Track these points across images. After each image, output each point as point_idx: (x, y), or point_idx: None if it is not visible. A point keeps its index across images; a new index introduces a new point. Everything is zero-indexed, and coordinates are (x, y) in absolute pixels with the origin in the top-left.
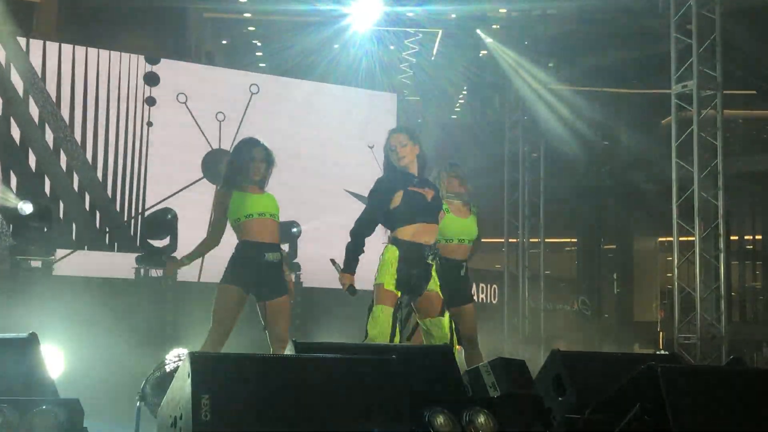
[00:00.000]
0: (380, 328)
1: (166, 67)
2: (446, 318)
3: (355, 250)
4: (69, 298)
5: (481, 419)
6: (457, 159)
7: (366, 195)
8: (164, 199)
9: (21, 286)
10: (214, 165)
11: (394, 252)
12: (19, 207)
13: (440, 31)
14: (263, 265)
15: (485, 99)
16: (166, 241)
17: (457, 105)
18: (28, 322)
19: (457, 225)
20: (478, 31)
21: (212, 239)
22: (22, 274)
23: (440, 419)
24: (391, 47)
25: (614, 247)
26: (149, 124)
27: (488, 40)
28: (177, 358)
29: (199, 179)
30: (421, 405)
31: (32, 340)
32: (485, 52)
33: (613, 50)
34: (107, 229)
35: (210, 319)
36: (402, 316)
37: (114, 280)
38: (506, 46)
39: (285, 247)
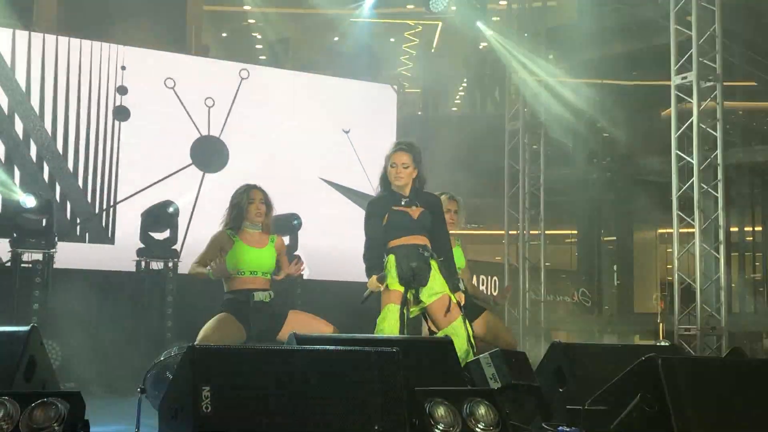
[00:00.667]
0: (388, 324)
1: (147, 56)
2: (459, 322)
3: (374, 267)
4: (70, 290)
5: (482, 410)
6: (457, 151)
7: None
8: (143, 189)
9: (21, 278)
10: (203, 152)
11: (391, 259)
12: (21, 201)
13: (440, 24)
14: (253, 306)
15: (485, 91)
16: (166, 234)
17: (457, 97)
18: (29, 314)
19: None
20: (479, 23)
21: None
22: (23, 266)
23: (441, 410)
24: (392, 40)
25: (614, 238)
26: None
27: (488, 32)
28: (178, 350)
29: (188, 165)
30: (422, 396)
31: (33, 333)
32: (485, 44)
33: (612, 42)
34: (78, 221)
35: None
36: (406, 316)
37: (115, 273)
38: (506, 38)
39: (286, 239)
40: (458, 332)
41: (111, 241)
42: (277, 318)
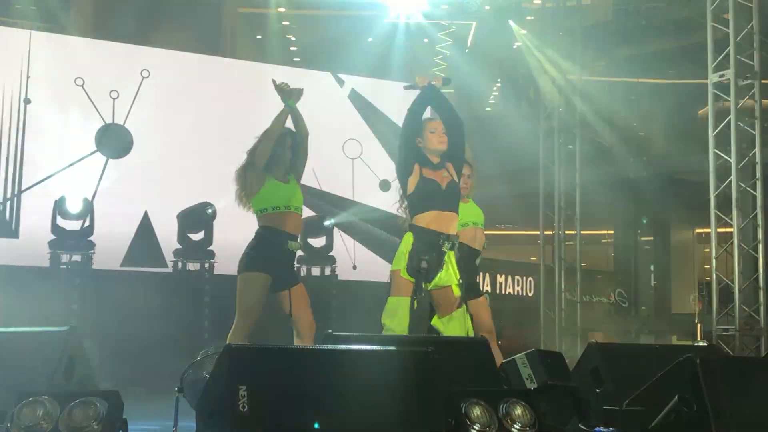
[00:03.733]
0: (398, 320)
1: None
2: (463, 311)
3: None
4: (108, 291)
5: (518, 411)
6: (492, 151)
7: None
8: (46, 178)
9: (60, 279)
10: (109, 139)
11: (408, 238)
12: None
13: (474, 24)
14: (285, 253)
15: (519, 91)
16: (201, 235)
17: (492, 97)
18: (68, 314)
19: (464, 208)
20: (511, 22)
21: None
22: (62, 267)
23: (477, 411)
24: (425, 40)
25: (651, 238)
26: (26, 101)
27: (522, 31)
28: (214, 350)
29: (93, 152)
30: (458, 397)
31: (72, 332)
32: (519, 43)
33: (648, 40)
34: None
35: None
36: (421, 305)
37: (152, 274)
38: (540, 37)
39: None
40: (456, 322)
41: (15, 234)
42: (294, 274)
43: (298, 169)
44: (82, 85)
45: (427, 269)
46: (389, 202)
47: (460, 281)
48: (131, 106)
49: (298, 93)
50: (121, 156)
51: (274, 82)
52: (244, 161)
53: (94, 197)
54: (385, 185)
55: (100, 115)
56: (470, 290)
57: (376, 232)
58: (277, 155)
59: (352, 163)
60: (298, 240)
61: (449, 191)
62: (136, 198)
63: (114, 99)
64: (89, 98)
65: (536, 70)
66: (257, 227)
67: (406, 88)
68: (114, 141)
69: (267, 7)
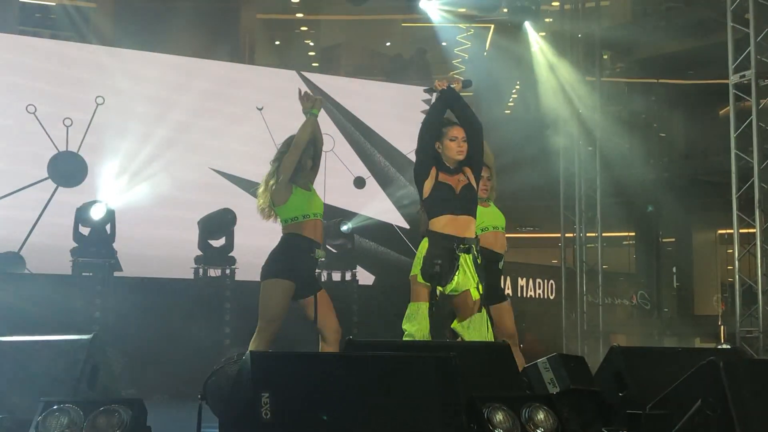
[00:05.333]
0: (418, 325)
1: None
2: (483, 315)
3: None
4: (130, 298)
5: (541, 415)
6: (511, 154)
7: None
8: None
9: (83, 287)
10: (60, 166)
11: (424, 243)
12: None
13: (492, 26)
14: (310, 260)
15: (539, 93)
16: (222, 242)
17: (511, 100)
18: (90, 322)
19: (484, 212)
20: (527, 24)
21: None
22: (84, 275)
23: (499, 416)
24: (444, 43)
25: (673, 240)
26: None
27: (541, 33)
28: (237, 356)
29: (44, 179)
30: (480, 402)
31: (96, 340)
32: (539, 45)
33: (668, 41)
34: None
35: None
36: (439, 310)
37: (173, 281)
38: (559, 39)
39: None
40: (475, 326)
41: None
42: (316, 280)
43: (312, 178)
44: (34, 113)
45: (440, 273)
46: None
47: (479, 284)
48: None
49: (320, 102)
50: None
51: (300, 91)
52: (269, 172)
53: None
54: (359, 182)
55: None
56: (493, 294)
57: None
58: (302, 164)
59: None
60: (322, 247)
61: (465, 195)
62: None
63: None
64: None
65: (555, 72)
66: (282, 234)
67: (425, 91)
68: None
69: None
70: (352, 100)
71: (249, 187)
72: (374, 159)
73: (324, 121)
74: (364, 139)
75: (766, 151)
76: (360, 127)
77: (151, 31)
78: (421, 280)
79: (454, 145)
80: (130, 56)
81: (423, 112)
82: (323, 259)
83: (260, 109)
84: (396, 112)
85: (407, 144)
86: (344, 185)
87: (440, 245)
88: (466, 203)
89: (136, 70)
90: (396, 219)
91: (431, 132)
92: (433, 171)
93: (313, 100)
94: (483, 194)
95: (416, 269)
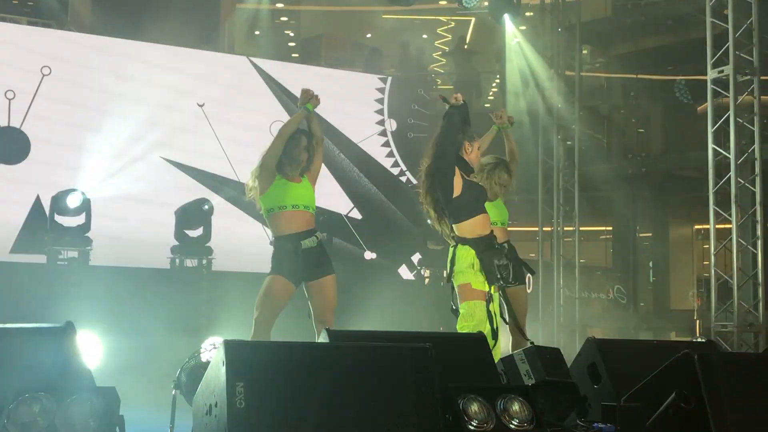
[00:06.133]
0: (476, 321)
1: None
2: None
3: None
4: (105, 287)
5: (516, 407)
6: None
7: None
8: None
9: (58, 276)
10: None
11: (469, 254)
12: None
13: (473, 20)
14: (301, 253)
15: (518, 87)
16: (199, 232)
17: (491, 93)
18: (65, 311)
19: (490, 207)
20: (506, 17)
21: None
22: (59, 264)
23: (474, 407)
24: (424, 36)
25: (650, 234)
26: None
27: (521, 27)
28: (212, 346)
29: None
30: (456, 393)
31: (68, 329)
32: (518, 39)
33: (647, 36)
34: None
35: (251, 308)
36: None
37: (149, 270)
38: (539, 33)
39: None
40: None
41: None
42: (324, 267)
43: (312, 172)
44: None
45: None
46: None
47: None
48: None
49: (316, 100)
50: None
51: (303, 89)
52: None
53: None
54: None
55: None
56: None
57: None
58: (292, 156)
59: None
60: (314, 235)
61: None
62: None
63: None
64: None
65: (534, 66)
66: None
67: (441, 99)
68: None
69: None
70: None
71: (205, 179)
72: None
73: (273, 107)
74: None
75: (743, 146)
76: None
77: (129, 20)
78: (478, 287)
79: (478, 154)
80: (108, 44)
81: (377, 100)
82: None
83: (201, 106)
84: (347, 100)
85: (356, 134)
86: None
87: (488, 247)
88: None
89: (117, 63)
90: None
91: (456, 138)
92: (458, 171)
93: (309, 96)
94: (504, 191)
95: (466, 278)
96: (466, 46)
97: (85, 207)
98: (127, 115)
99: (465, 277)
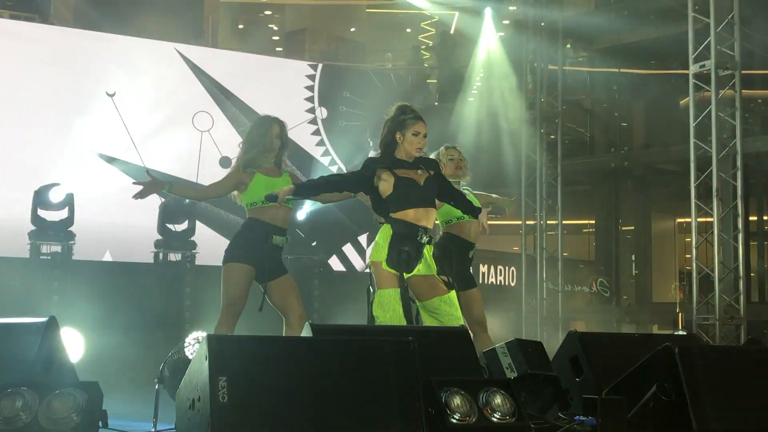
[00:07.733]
0: (392, 311)
1: None
2: (453, 296)
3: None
4: (88, 282)
5: (498, 400)
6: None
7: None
8: None
9: (40, 270)
10: None
11: (386, 231)
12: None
13: (457, 13)
14: (269, 246)
15: (503, 81)
16: (184, 226)
17: (475, 87)
18: (48, 306)
19: None
20: (487, 10)
21: (211, 192)
22: (42, 258)
23: (457, 400)
24: (408, 30)
25: (632, 228)
26: None
27: (504, 21)
28: (195, 340)
29: None
30: (438, 386)
31: (51, 324)
32: (502, 33)
33: (630, 30)
34: None
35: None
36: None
37: (132, 264)
38: (523, 27)
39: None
40: (452, 300)
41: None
42: (281, 268)
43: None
44: None
45: (408, 259)
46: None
47: (440, 272)
48: None
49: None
50: None
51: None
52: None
53: None
54: (225, 162)
55: None
56: (463, 282)
57: (219, 212)
58: (269, 146)
59: (201, 136)
60: (287, 234)
61: (426, 190)
62: None
63: None
64: None
65: (521, 59)
66: (245, 219)
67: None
68: None
69: None
70: (231, 77)
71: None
72: None
73: (202, 98)
74: (244, 117)
75: (724, 141)
76: (237, 103)
77: (112, 14)
78: (386, 267)
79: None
80: (91, 37)
81: (307, 87)
82: (282, 245)
83: (111, 95)
84: (279, 87)
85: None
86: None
87: (405, 233)
88: (428, 196)
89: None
90: None
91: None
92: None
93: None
94: (458, 172)
95: (379, 255)
96: (450, 40)
97: (68, 201)
98: (110, 109)
99: (377, 254)
